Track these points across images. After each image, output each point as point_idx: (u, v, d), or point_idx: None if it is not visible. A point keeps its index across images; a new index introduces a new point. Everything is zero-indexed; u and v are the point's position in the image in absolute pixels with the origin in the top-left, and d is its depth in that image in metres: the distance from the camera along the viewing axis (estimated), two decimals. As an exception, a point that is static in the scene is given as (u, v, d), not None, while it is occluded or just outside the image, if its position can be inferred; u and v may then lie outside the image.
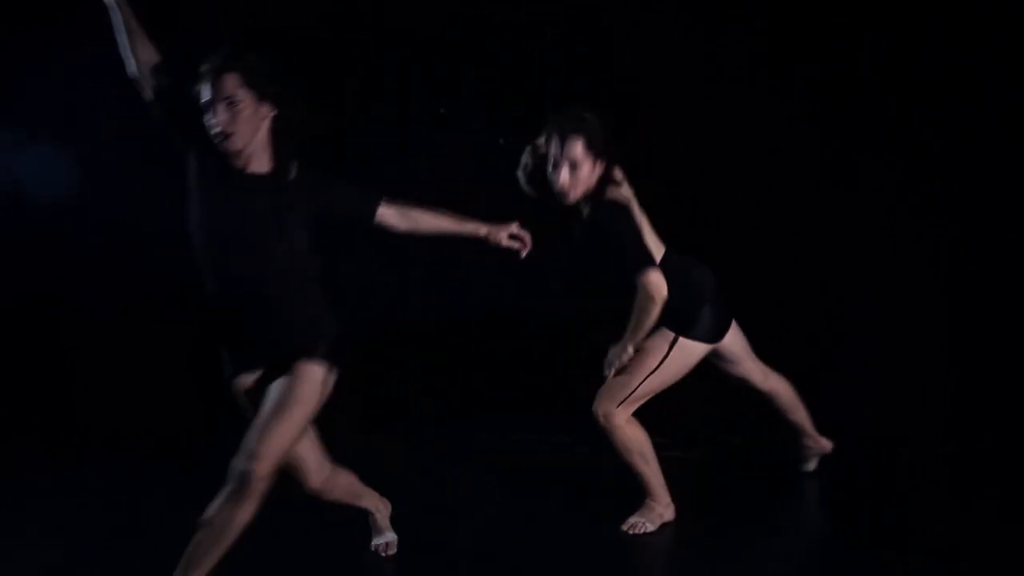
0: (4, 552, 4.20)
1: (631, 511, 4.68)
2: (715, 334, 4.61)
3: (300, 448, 3.69)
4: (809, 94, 7.02)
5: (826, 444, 5.13)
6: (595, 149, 4.30)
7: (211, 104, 3.40)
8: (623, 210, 4.30)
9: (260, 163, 3.49)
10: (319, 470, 3.80)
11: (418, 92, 7.73)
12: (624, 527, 4.54)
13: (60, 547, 4.26)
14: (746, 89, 7.09)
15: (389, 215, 3.78)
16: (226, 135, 3.38)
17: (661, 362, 4.49)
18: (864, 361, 6.46)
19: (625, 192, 4.44)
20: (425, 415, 6.35)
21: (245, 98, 3.40)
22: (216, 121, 3.38)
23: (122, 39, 3.54)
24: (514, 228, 3.94)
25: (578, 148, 4.29)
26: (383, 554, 4.13)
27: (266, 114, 3.46)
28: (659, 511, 4.61)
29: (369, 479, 4.15)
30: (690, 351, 4.54)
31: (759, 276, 6.44)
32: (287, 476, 3.71)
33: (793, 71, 7.07)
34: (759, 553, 4.27)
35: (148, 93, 3.53)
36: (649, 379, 4.49)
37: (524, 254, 3.98)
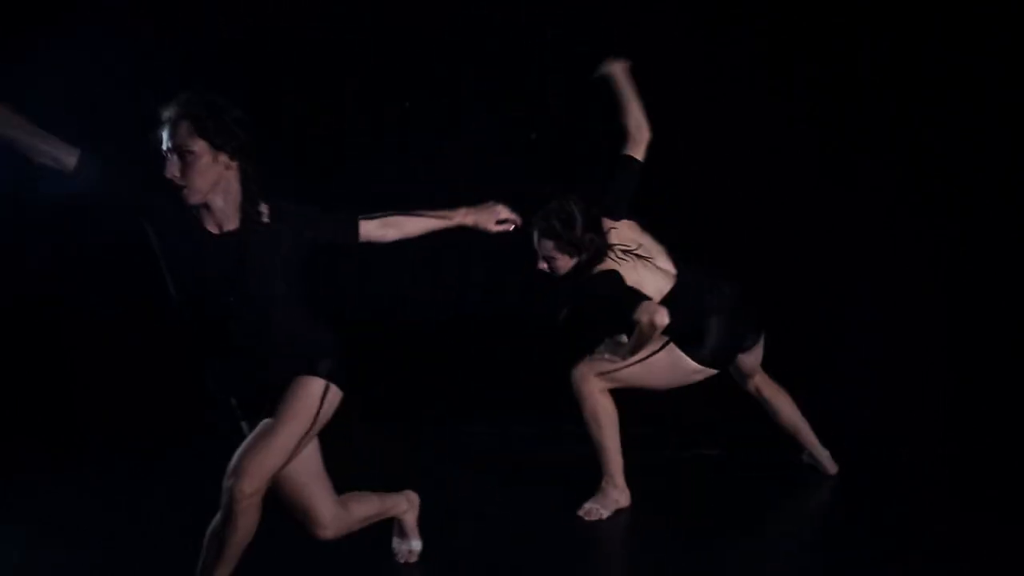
0: (4, 552, 4.20)
1: (630, 512, 4.69)
2: (711, 358, 4.72)
3: (310, 495, 3.55)
4: (809, 94, 7.02)
5: (829, 467, 5.11)
6: (569, 247, 4.53)
7: (167, 153, 3.25)
8: (610, 276, 4.55)
9: (232, 220, 3.33)
10: (332, 522, 3.62)
11: (418, 92, 7.73)
12: (580, 513, 4.63)
13: (60, 547, 4.26)
14: (746, 89, 7.09)
15: (372, 230, 3.60)
16: (179, 187, 3.24)
17: (649, 356, 4.64)
18: (864, 361, 6.46)
19: (625, 243, 4.62)
20: (424, 415, 6.34)
21: (199, 148, 3.21)
22: (169, 172, 3.23)
23: (40, 157, 3.27)
24: (501, 211, 3.81)
25: (549, 248, 4.56)
26: (401, 560, 4.06)
27: (228, 164, 3.27)
28: (614, 496, 4.69)
29: (369, 480, 4.12)
30: (678, 361, 4.68)
31: (759, 276, 6.44)
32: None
33: (793, 71, 7.07)
34: (759, 553, 4.27)
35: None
36: (633, 367, 4.66)
37: (513, 229, 3.86)
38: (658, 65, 7.17)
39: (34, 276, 7.26)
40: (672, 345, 4.67)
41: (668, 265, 4.73)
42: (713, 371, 4.76)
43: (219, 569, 3.39)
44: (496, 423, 6.12)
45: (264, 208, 3.36)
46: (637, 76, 6.77)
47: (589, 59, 7.41)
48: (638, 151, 4.82)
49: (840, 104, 7.01)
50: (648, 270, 4.65)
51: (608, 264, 4.57)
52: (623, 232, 4.68)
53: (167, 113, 3.25)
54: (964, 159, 6.83)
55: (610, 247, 4.59)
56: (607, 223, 4.64)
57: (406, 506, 4.01)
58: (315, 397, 3.38)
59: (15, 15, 7.11)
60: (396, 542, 4.05)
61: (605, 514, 4.66)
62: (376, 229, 3.61)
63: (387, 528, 4.08)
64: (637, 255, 4.63)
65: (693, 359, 4.69)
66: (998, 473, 5.08)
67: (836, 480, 5.07)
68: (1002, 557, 4.05)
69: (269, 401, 3.41)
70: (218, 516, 3.36)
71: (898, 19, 6.89)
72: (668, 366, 4.68)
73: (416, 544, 4.05)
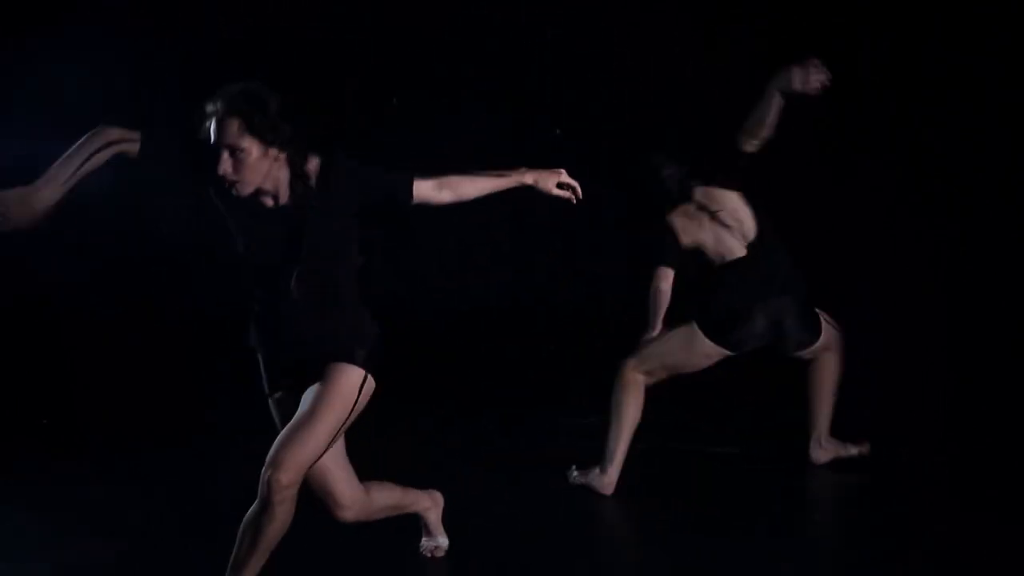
0: (3, 552, 4.20)
1: (638, 507, 4.70)
2: (731, 341, 4.86)
3: (333, 479, 3.56)
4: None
5: (817, 455, 5.16)
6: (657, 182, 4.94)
7: (216, 149, 3.27)
8: (665, 228, 4.93)
9: (283, 196, 3.38)
10: (351, 504, 3.63)
11: (419, 93, 7.74)
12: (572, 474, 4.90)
13: (59, 547, 4.26)
14: (746, 89, 7.09)
15: (427, 191, 3.53)
16: (231, 183, 3.29)
17: (674, 327, 4.92)
18: (864, 361, 6.46)
19: (708, 203, 4.96)
20: (435, 412, 6.34)
21: (249, 145, 3.26)
22: (221, 170, 3.27)
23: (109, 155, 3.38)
24: (563, 175, 3.64)
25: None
26: (428, 555, 4.08)
27: (275, 156, 3.32)
28: (595, 478, 4.87)
29: (378, 477, 4.10)
30: (693, 337, 4.88)
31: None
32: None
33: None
34: (759, 553, 4.26)
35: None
36: (654, 343, 4.89)
37: (575, 201, 3.67)
38: (658, 65, 7.21)
39: (34, 276, 7.26)
40: (694, 324, 4.86)
41: (745, 238, 4.95)
42: (729, 352, 4.90)
43: (252, 560, 3.39)
44: (505, 420, 6.12)
45: (314, 169, 3.38)
46: (637, 76, 6.77)
47: (589, 59, 7.46)
48: (746, 145, 4.97)
49: (840, 104, 7.01)
50: (720, 233, 4.92)
51: (677, 215, 4.91)
52: (715, 194, 4.94)
53: (212, 108, 3.29)
54: (964, 159, 6.83)
55: (689, 199, 4.91)
56: (696, 183, 4.94)
57: (429, 503, 4.04)
58: (353, 388, 3.39)
59: (15, 15, 7.12)
60: (424, 540, 4.08)
61: (577, 480, 4.90)
62: (430, 190, 3.54)
63: (408, 523, 4.08)
64: (715, 217, 4.89)
65: (709, 336, 4.85)
66: (998, 473, 5.08)
67: (836, 480, 5.07)
68: (1002, 557, 4.05)
69: (303, 379, 3.43)
70: (254, 507, 3.37)
71: (898, 19, 6.89)
72: (684, 342, 4.87)
73: (442, 540, 4.08)
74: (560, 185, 3.63)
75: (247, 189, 3.31)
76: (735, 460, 5.41)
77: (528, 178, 3.61)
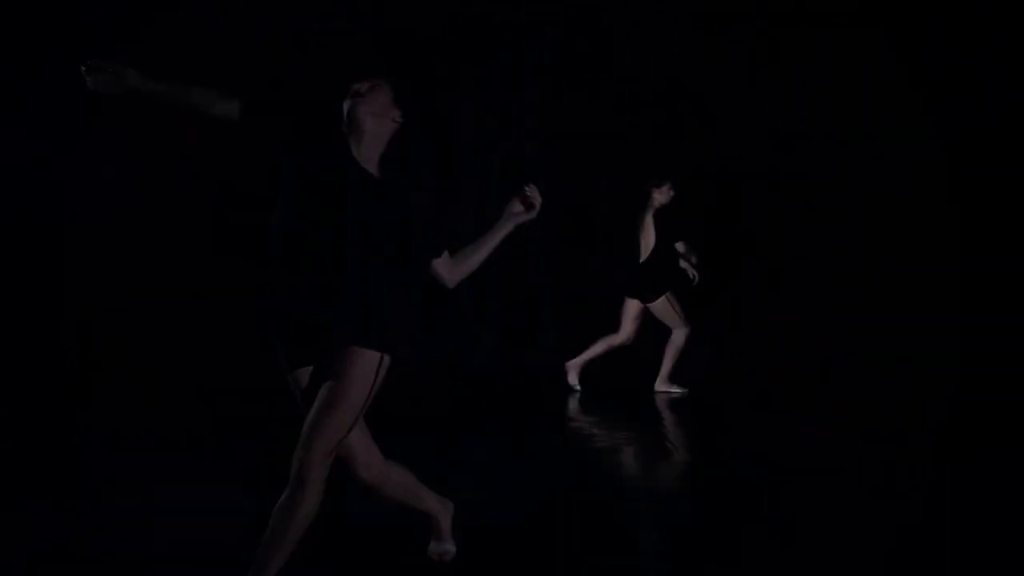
0: (3, 552, 4.21)
1: (641, 514, 4.70)
2: None
3: (352, 437, 3.67)
4: (809, 93, 7.04)
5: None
6: None
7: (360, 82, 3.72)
8: None
9: (372, 165, 3.66)
10: (367, 463, 3.77)
11: (418, 92, 7.74)
12: None
13: (60, 548, 4.26)
14: (747, 89, 7.10)
15: (442, 267, 3.78)
16: (358, 94, 3.66)
17: None
18: (865, 361, 6.47)
19: None
20: (434, 422, 6.35)
21: (387, 91, 3.71)
22: (357, 85, 3.69)
23: (196, 109, 3.66)
24: (521, 204, 3.86)
25: None
26: (436, 559, 4.09)
27: (393, 116, 3.70)
28: None
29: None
30: None
31: (759, 276, 6.45)
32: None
33: (793, 70, 7.09)
34: (759, 552, 4.28)
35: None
36: None
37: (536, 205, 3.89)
38: (658, 65, 7.22)
39: (35, 275, 7.27)
40: None
41: None
42: None
43: (279, 551, 3.47)
44: (504, 435, 6.13)
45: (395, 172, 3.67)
46: (637, 76, 6.77)
47: (589, 59, 7.47)
48: None
49: (840, 103, 7.03)
50: None
51: None
52: None
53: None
54: (964, 159, 6.84)
55: None
56: None
57: (439, 507, 4.09)
58: (369, 373, 3.53)
59: (18, 14, 7.14)
60: (432, 544, 4.12)
61: None
62: (445, 271, 3.79)
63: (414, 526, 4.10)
64: None
65: None
66: (998, 473, 5.09)
67: (837, 480, 5.08)
68: (1003, 557, 4.06)
69: (320, 351, 3.54)
70: (284, 494, 3.47)
71: (898, 19, 6.91)
72: None
73: (450, 546, 4.12)
74: (533, 205, 3.85)
75: (361, 109, 3.65)
76: (730, 463, 5.43)
77: (510, 226, 3.86)
